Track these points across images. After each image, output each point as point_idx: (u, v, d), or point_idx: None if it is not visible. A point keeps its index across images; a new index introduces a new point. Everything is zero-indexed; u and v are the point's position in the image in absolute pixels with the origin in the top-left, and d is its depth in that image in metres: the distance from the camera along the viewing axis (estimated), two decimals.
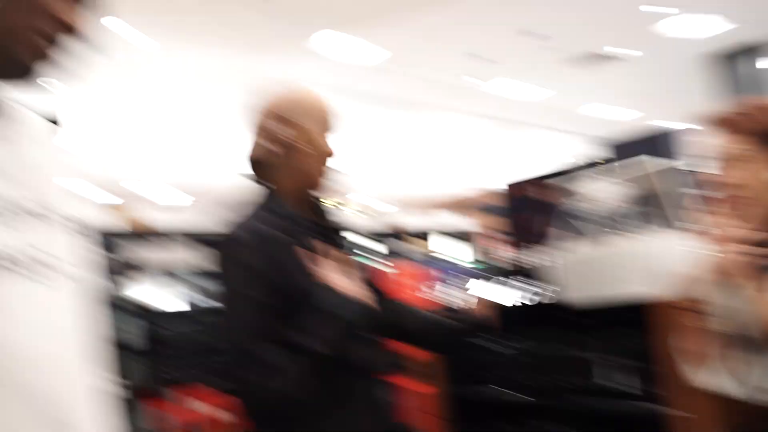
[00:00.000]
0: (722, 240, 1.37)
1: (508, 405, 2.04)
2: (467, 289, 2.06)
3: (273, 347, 1.27)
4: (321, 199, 1.55)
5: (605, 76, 10.24)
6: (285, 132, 1.46)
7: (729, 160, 1.42)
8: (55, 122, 2.58)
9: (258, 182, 1.49)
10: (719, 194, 1.45)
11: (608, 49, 9.09)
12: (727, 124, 1.45)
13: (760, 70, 9.49)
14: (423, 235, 7.00)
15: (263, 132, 1.48)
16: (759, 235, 1.34)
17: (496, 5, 7.40)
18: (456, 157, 11.79)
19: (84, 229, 0.89)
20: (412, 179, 11.36)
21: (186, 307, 4.72)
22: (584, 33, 8.52)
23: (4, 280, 0.72)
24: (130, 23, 5.80)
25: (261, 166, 1.49)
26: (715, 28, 8.52)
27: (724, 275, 1.35)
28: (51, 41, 0.78)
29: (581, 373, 1.81)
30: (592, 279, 1.70)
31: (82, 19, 0.80)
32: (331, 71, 9.47)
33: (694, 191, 1.99)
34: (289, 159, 1.45)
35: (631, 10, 7.88)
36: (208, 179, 9.71)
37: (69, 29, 0.78)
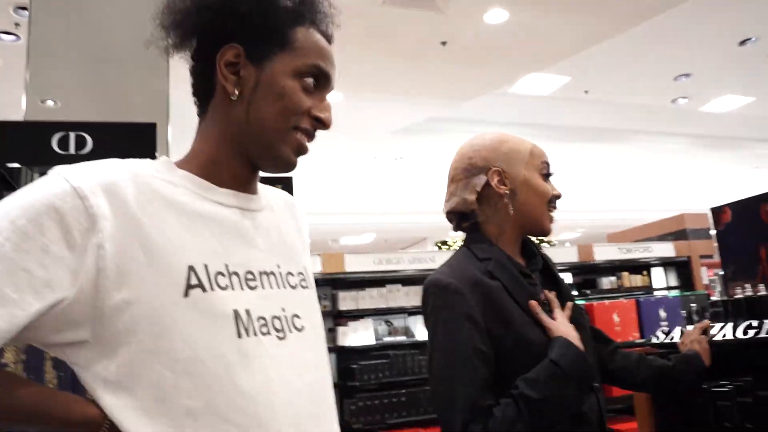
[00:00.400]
0: None
1: None
2: (685, 327, 1.93)
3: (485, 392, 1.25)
4: (537, 243, 1.53)
5: None
6: (485, 180, 1.44)
7: None
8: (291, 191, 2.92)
9: (465, 230, 1.50)
10: None
11: None
12: None
13: None
14: (634, 268, 6.60)
15: (461, 182, 1.48)
16: None
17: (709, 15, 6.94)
18: (661, 180, 11.04)
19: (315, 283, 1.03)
20: (624, 209, 10.81)
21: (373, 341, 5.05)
22: None
23: (280, 344, 0.84)
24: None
25: (465, 216, 1.49)
26: None
27: None
28: (310, 137, 0.91)
29: None
30: None
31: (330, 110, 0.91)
32: (540, 109, 9.49)
33: None
34: (494, 203, 1.44)
35: None
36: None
37: (325, 125, 0.91)
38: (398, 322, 5.65)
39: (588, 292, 6.34)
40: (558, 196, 1.45)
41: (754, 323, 1.73)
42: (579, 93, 9.10)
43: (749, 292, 1.86)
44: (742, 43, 7.83)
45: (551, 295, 1.41)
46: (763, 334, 1.68)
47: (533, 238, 1.55)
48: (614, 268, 6.52)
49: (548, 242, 8.46)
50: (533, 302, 1.35)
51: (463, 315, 1.28)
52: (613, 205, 10.90)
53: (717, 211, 2.25)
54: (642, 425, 2.05)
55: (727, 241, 2.20)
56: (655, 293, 6.23)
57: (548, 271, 1.52)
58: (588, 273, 6.80)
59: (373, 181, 9.94)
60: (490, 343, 1.29)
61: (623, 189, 11.00)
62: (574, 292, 6.28)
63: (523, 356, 1.29)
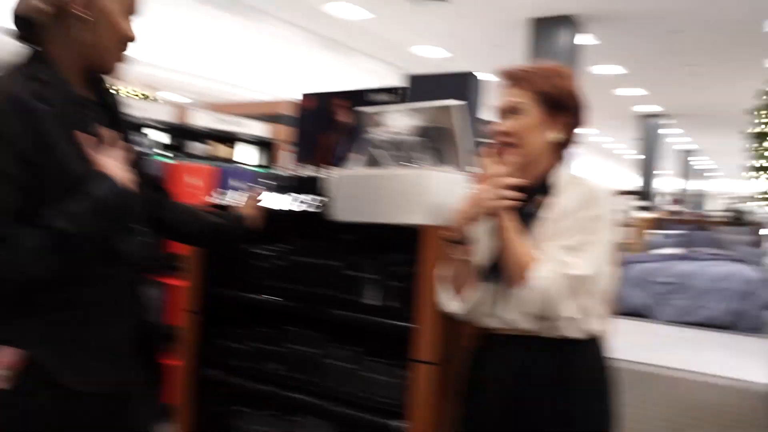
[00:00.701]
0: (482, 180, 1.53)
1: (264, 307, 2.12)
2: (245, 193, 2.06)
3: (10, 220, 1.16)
4: (107, 81, 1.41)
5: (429, 16, 10.60)
6: None
7: (506, 110, 1.56)
8: None
9: (25, 43, 1.31)
10: (494, 140, 1.58)
11: None
12: (511, 77, 1.58)
13: (577, 45, 10.46)
14: (226, 139, 6.81)
15: None
16: (515, 180, 1.49)
17: None
18: (270, 65, 11.55)
19: None
20: (221, 79, 10.92)
21: None
22: None
23: None
24: None
25: (30, 26, 1.29)
26: None
27: (478, 211, 1.51)
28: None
29: (339, 286, 1.92)
30: (368, 200, 1.78)
31: None
32: None
33: (481, 136, 2.17)
34: (67, 26, 1.28)
35: None
36: None
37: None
38: None
39: (175, 154, 6.31)
40: (132, 39, 1.37)
41: (306, 198, 1.95)
42: None
43: (307, 172, 2.07)
44: None
45: (109, 132, 1.32)
46: (306, 207, 1.90)
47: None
48: (207, 135, 6.63)
49: (145, 96, 8.05)
50: (83, 134, 1.26)
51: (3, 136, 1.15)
52: (223, 77, 10.96)
53: (303, 97, 2.43)
54: (191, 276, 2.15)
55: (302, 126, 2.41)
56: (239, 166, 6.55)
57: (115, 114, 1.43)
58: (180, 135, 6.75)
59: None
60: (26, 168, 1.18)
61: (236, 64, 11.12)
62: (166, 153, 6.17)
63: (61, 188, 1.21)
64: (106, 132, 1.32)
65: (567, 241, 1.46)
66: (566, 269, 1.42)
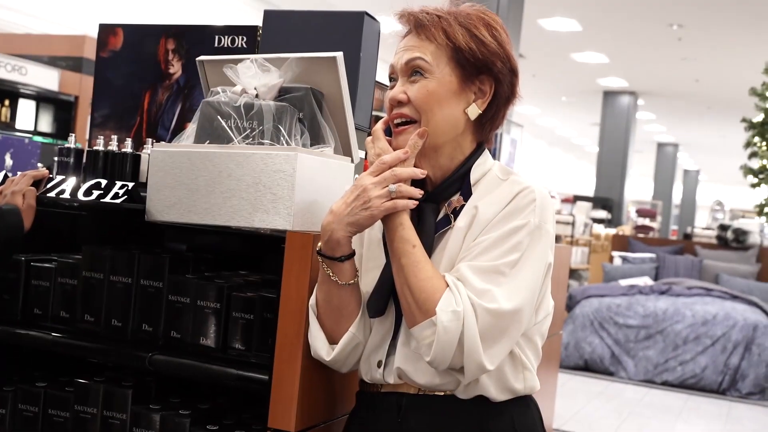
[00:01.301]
0: (369, 170, 1.50)
1: (43, 347, 2.06)
2: (22, 176, 2.00)
3: None
4: None
5: None
6: None
7: (404, 71, 1.55)
8: None
9: None
10: (388, 113, 1.58)
11: None
12: (414, 22, 1.56)
13: None
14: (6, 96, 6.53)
15: None
16: (415, 171, 1.50)
17: None
18: None
19: None
20: None
21: None
22: None
23: None
24: None
25: None
26: None
27: (362, 215, 1.49)
28: None
29: (159, 317, 1.90)
30: (205, 192, 1.74)
31: None
32: None
33: (377, 107, 2.20)
34: None
35: None
36: None
37: None
38: None
39: None
40: None
41: (103, 183, 1.90)
42: None
43: (113, 146, 2.02)
44: None
45: None
46: (108, 199, 1.86)
47: None
48: None
49: None
50: None
51: None
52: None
53: (107, 30, 2.35)
54: None
55: (109, 73, 2.34)
56: (18, 134, 6.27)
57: None
58: None
59: None
60: None
61: None
62: None
63: None
64: None
65: (482, 261, 1.47)
66: (485, 301, 1.42)
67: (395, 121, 1.57)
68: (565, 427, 5.32)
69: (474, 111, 1.58)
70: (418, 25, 1.55)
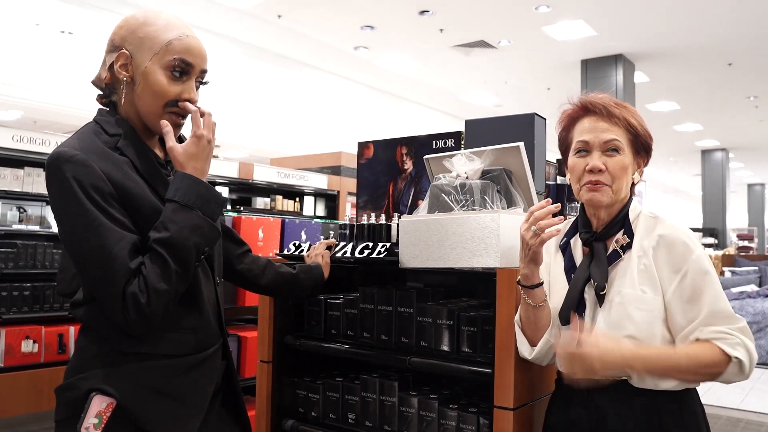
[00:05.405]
0: (529, 218, 1.44)
1: (336, 356, 2.11)
2: (314, 245, 2.09)
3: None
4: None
5: (480, 61, 10.70)
6: (113, 59, 1.36)
7: (603, 147, 1.46)
8: None
9: (104, 104, 1.43)
10: (583, 177, 1.48)
11: (493, 39, 9.49)
12: (601, 110, 1.47)
13: (629, 82, 10.36)
14: (289, 193, 6.95)
15: (105, 56, 1.40)
16: (552, 207, 1.41)
17: None
18: (330, 118, 11.83)
19: None
20: (284, 135, 11.24)
21: None
22: (474, 21, 8.87)
23: None
24: None
25: (103, 89, 1.42)
26: (583, 34, 9.14)
27: (525, 251, 1.44)
28: None
29: (411, 332, 1.90)
30: (437, 245, 1.77)
31: None
32: (232, 20, 9.13)
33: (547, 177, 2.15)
34: (123, 88, 1.36)
35: (522, 6, 8.31)
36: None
37: None
38: (34, 210, 5.01)
39: (241, 208, 6.48)
40: (179, 100, 1.35)
41: (370, 245, 1.95)
42: (272, 16, 9.09)
43: (372, 220, 2.08)
44: (422, 12, 8.74)
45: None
46: (374, 255, 1.90)
47: None
48: (271, 190, 6.79)
49: (214, 155, 8.34)
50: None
51: (91, 186, 1.22)
52: (282, 132, 11.28)
53: (362, 146, 2.45)
54: (262, 327, 2.17)
55: (366, 173, 2.43)
56: (305, 218, 6.67)
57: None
58: (245, 191, 6.95)
59: (32, 51, 8.48)
60: (125, 212, 1.28)
61: (294, 118, 11.45)
62: (228, 207, 6.35)
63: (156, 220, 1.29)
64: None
65: (699, 310, 1.38)
66: (736, 327, 1.36)
67: (591, 183, 1.46)
68: (705, 401, 4.86)
69: (637, 178, 1.52)
70: (606, 112, 1.47)
